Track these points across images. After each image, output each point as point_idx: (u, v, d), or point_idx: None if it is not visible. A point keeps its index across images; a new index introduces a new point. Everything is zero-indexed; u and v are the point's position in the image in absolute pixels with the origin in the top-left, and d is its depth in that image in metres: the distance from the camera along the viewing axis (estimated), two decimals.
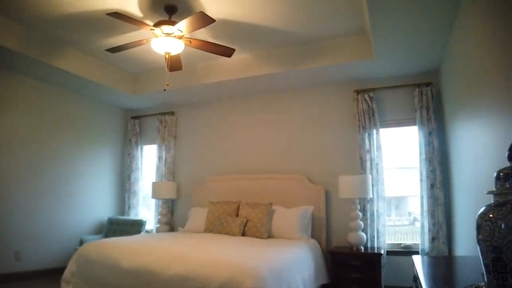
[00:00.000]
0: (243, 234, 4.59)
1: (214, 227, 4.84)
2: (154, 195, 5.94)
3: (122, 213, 6.80)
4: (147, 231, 6.16)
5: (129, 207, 6.64)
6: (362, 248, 4.41)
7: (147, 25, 3.61)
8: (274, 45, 4.74)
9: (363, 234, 4.44)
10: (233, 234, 4.56)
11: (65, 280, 3.81)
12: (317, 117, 5.23)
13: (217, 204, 5.15)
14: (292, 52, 4.74)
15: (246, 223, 4.64)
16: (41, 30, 4.54)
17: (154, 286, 3.05)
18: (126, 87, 5.99)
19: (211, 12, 3.84)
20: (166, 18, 3.83)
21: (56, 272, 4.25)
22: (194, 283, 2.84)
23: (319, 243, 4.62)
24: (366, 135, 4.83)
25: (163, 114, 6.49)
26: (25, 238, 5.25)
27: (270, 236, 4.58)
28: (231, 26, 4.22)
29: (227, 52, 3.99)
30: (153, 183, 5.99)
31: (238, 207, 4.98)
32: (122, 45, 3.96)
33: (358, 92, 4.91)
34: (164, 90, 4.80)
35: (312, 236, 4.71)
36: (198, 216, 5.36)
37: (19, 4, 3.89)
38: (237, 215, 4.90)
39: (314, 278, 3.89)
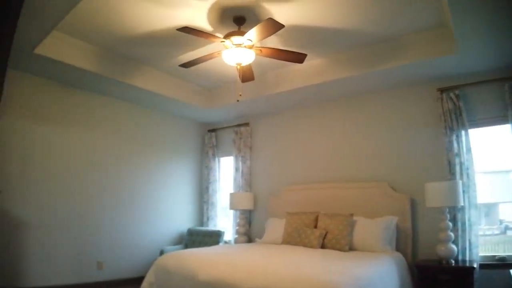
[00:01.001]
0: (323, 247, 4.39)
1: (292, 238, 4.71)
2: (231, 206, 5.97)
3: (201, 224, 6.93)
4: (225, 242, 6.19)
5: (207, 218, 6.75)
6: (453, 261, 3.98)
7: (217, 37, 3.62)
8: (346, 48, 4.51)
9: (454, 246, 3.99)
10: (312, 246, 4.38)
11: None
12: (397, 120, 4.89)
13: (294, 215, 5.01)
14: (366, 53, 4.47)
15: (325, 235, 4.44)
16: (116, 51, 4.76)
17: None
18: (201, 101, 6.14)
19: (280, 19, 3.76)
20: (235, 29, 3.83)
21: (137, 282, 4.42)
22: None
23: (405, 256, 4.26)
24: (454, 136, 4.38)
25: (238, 125, 6.53)
26: (107, 248, 5.51)
27: (351, 248, 4.33)
28: (300, 32, 4.09)
29: (299, 58, 3.88)
30: (230, 194, 6.03)
31: (317, 218, 4.79)
32: (194, 59, 4.02)
33: (441, 90, 4.49)
34: (237, 100, 4.79)
35: (397, 249, 4.36)
36: (275, 227, 5.27)
37: (92, 26, 4.09)
38: (315, 227, 4.72)
39: None
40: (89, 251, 5.34)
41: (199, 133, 7.19)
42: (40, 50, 4.17)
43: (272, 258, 3.56)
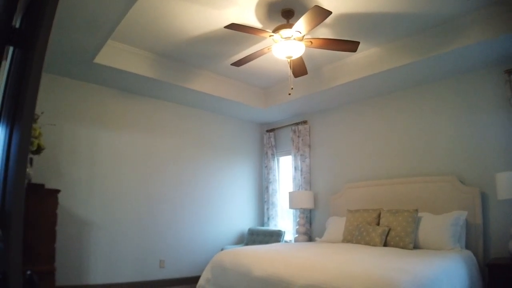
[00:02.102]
0: (385, 245, 4.16)
1: (353, 237, 4.52)
2: (291, 205, 5.89)
3: (262, 224, 6.92)
4: (286, 242, 6.12)
5: (268, 218, 6.72)
6: None
7: (265, 31, 3.58)
8: (402, 33, 4.23)
9: None
10: (374, 244, 4.18)
11: (200, 287, 3.94)
12: (462, 109, 4.50)
13: (355, 213, 4.82)
14: (423, 37, 4.15)
15: (388, 232, 4.21)
16: (170, 56, 4.92)
17: None
18: (257, 101, 6.15)
19: (328, 8, 3.64)
20: (284, 23, 3.78)
21: (196, 280, 4.48)
22: None
23: (475, 255, 3.90)
24: None
25: (296, 124, 6.44)
26: (169, 247, 5.67)
27: (416, 246, 4.06)
28: (350, 20, 3.92)
29: (351, 47, 3.72)
30: (289, 192, 5.95)
31: (379, 215, 4.56)
32: (245, 57, 4.01)
33: (509, 72, 4.06)
34: (289, 94, 4.75)
35: (467, 247, 4.01)
36: (336, 225, 5.11)
37: (145, 33, 4.26)
38: (378, 224, 4.49)
39: None
40: (152, 250, 5.53)
41: (258, 133, 7.21)
42: (100, 59, 4.43)
43: (330, 256, 3.43)
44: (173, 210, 5.84)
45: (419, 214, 4.28)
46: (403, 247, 3.99)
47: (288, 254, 3.51)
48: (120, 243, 5.26)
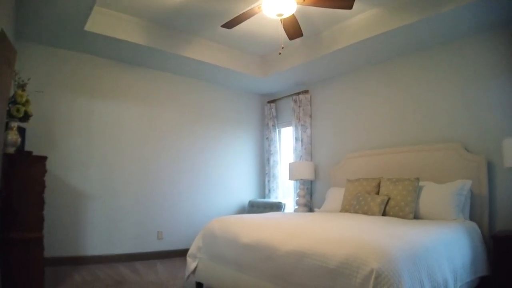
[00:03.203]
0: (384, 214, 3.93)
1: (351, 206, 4.30)
2: (291, 176, 5.66)
3: (263, 196, 6.73)
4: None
5: (269, 190, 6.52)
6: None
7: None
8: None
9: None
10: (372, 214, 3.95)
11: (191, 255, 3.76)
12: (466, 72, 4.16)
13: (355, 182, 4.58)
14: None
15: (387, 201, 3.97)
16: (163, 23, 4.70)
17: (271, 261, 2.73)
18: (257, 70, 5.86)
19: None
20: None
21: None
22: (310, 260, 2.41)
23: (480, 226, 3.64)
24: None
25: (297, 93, 6.16)
26: (167, 219, 5.55)
27: (416, 217, 3.82)
28: None
29: (346, 3, 3.39)
30: (290, 163, 5.72)
31: (379, 184, 4.31)
32: (235, 17, 3.72)
33: None
34: (279, 53, 4.50)
35: (471, 218, 3.76)
36: (335, 196, 4.88)
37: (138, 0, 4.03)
38: (377, 193, 4.25)
39: (470, 269, 3.00)
40: (149, 221, 5.42)
41: (259, 105, 6.95)
42: (90, 27, 4.24)
43: (320, 223, 3.21)
44: (172, 181, 5.69)
45: (421, 183, 4.03)
46: (402, 217, 3.75)
47: (278, 222, 3.30)
48: (118, 214, 5.15)
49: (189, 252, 3.82)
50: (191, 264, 3.77)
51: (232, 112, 6.52)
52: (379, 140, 4.99)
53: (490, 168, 3.86)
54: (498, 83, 3.91)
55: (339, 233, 2.63)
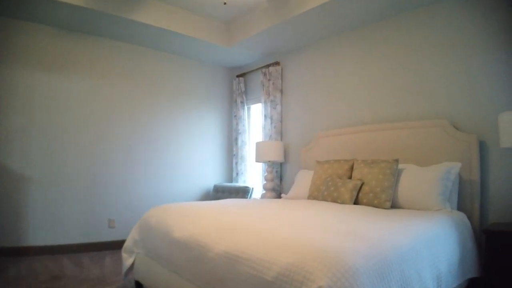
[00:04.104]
0: (357, 202, 3.25)
1: (320, 192, 3.59)
2: (257, 158, 4.93)
3: (231, 180, 6.01)
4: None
5: (237, 174, 5.80)
6: None
7: None
8: None
9: None
10: (343, 202, 3.25)
11: (126, 250, 3.05)
12: (456, 39, 3.40)
13: (324, 164, 3.86)
14: None
15: (361, 187, 3.28)
16: None
17: (201, 264, 2.04)
18: (219, 38, 5.05)
19: None
20: None
21: None
22: (244, 267, 1.71)
23: (469, 218, 2.97)
24: None
25: (267, 66, 5.38)
26: (120, 206, 4.85)
27: (394, 205, 3.13)
28: None
29: None
30: (256, 143, 4.97)
31: (352, 167, 3.61)
32: None
33: None
34: (224, 3, 3.75)
35: (459, 208, 3.08)
36: (304, 180, 4.17)
37: None
38: (350, 177, 3.56)
39: (458, 271, 2.33)
40: (100, 208, 4.72)
41: (227, 79, 6.16)
42: None
43: (275, 215, 2.50)
44: (126, 164, 4.95)
45: (401, 166, 3.34)
46: (377, 206, 3.06)
47: (222, 211, 2.59)
48: (63, 200, 4.44)
49: (124, 245, 3.11)
50: (127, 259, 3.07)
51: (197, 87, 5.73)
52: (355, 116, 4.27)
53: (483, 149, 3.16)
54: (494, 52, 3.16)
55: (289, 230, 1.92)
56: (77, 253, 4.39)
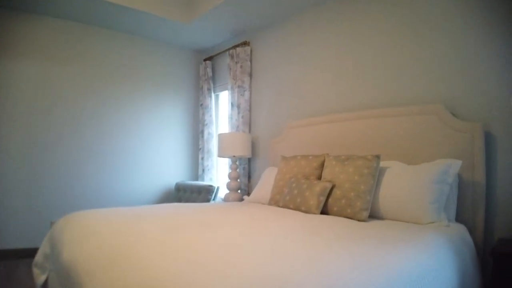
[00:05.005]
0: (325, 211, 2.45)
1: (281, 196, 2.79)
2: (221, 152, 4.11)
3: (196, 178, 5.20)
4: (214, 201, 4.42)
5: (203, 171, 4.98)
6: None
7: None
8: None
9: None
10: (308, 210, 2.44)
11: (37, 265, 2.26)
12: (456, 6, 2.57)
13: (291, 160, 3.04)
14: None
15: (331, 190, 2.48)
16: None
17: None
18: (177, 13, 4.22)
19: None
20: None
21: None
22: None
23: (471, 231, 2.19)
24: None
25: (235, 47, 4.56)
26: (65, 207, 4.01)
27: (373, 215, 2.34)
28: None
29: None
30: (219, 135, 4.14)
31: (323, 164, 2.82)
32: None
33: None
34: None
35: (458, 219, 2.30)
36: (269, 179, 3.36)
37: None
38: (320, 178, 2.76)
39: None
40: (42, 209, 3.94)
41: (194, 64, 5.32)
42: None
43: (205, 234, 1.68)
44: (73, 160, 4.18)
45: (384, 164, 2.54)
46: (351, 216, 2.26)
47: (137, 224, 1.81)
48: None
49: (35, 260, 2.31)
50: (39, 277, 2.26)
51: (156, 72, 4.89)
52: (332, 103, 3.45)
53: (489, 141, 2.36)
54: (502, 18, 2.34)
55: (206, 261, 1.15)
56: (15, 259, 3.67)
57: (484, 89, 2.41)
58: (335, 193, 2.42)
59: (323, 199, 2.42)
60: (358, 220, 2.21)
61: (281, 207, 2.68)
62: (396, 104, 2.88)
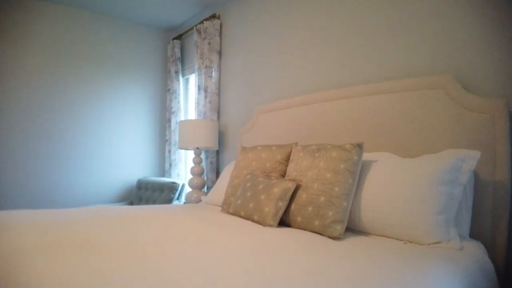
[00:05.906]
0: (286, 221, 1.71)
1: (233, 200, 2.07)
2: (182, 143, 3.38)
3: (163, 173, 4.48)
4: (177, 202, 3.70)
5: (170, 165, 4.26)
6: None
7: None
8: None
9: None
10: (262, 220, 1.70)
11: None
12: None
13: (249, 152, 2.29)
14: None
15: (294, 193, 1.75)
16: None
17: None
18: None
19: None
20: None
21: None
22: None
23: (490, 249, 1.48)
24: None
25: (202, 22, 3.81)
26: (15, 207, 3.33)
27: (353, 228, 1.61)
28: None
29: None
30: (179, 123, 3.40)
31: (289, 157, 2.09)
32: None
33: None
34: None
35: (472, 233, 1.56)
36: (228, 177, 2.65)
37: None
38: (284, 175, 2.02)
39: None
40: None
41: (162, 44, 4.57)
42: None
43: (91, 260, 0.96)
44: (17, 149, 3.42)
45: (369, 156, 1.82)
46: (320, 231, 1.53)
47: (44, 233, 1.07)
48: None
49: None
50: None
51: (120, 53, 4.15)
52: (310, 81, 2.71)
53: None
54: None
55: None
56: None
57: (507, 54, 1.67)
58: (300, 197, 1.68)
59: (282, 205, 1.68)
60: (330, 237, 1.48)
61: (231, 214, 1.95)
62: (388, 77, 2.13)
